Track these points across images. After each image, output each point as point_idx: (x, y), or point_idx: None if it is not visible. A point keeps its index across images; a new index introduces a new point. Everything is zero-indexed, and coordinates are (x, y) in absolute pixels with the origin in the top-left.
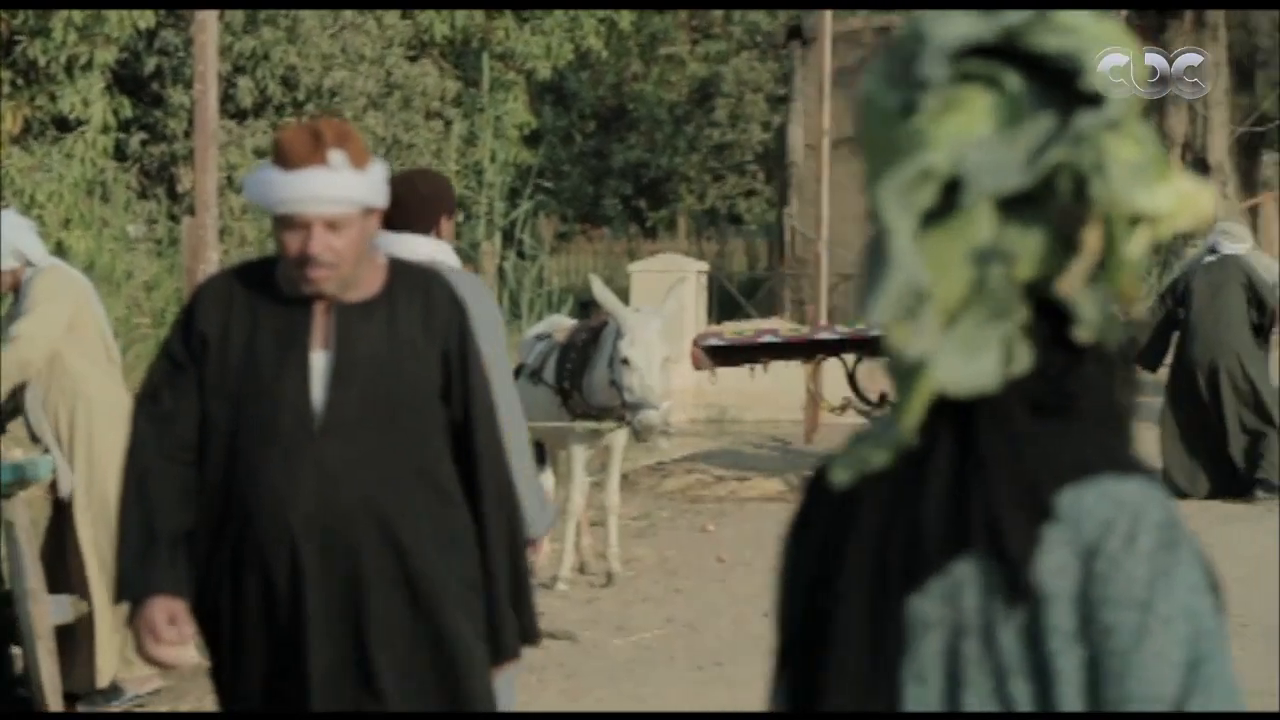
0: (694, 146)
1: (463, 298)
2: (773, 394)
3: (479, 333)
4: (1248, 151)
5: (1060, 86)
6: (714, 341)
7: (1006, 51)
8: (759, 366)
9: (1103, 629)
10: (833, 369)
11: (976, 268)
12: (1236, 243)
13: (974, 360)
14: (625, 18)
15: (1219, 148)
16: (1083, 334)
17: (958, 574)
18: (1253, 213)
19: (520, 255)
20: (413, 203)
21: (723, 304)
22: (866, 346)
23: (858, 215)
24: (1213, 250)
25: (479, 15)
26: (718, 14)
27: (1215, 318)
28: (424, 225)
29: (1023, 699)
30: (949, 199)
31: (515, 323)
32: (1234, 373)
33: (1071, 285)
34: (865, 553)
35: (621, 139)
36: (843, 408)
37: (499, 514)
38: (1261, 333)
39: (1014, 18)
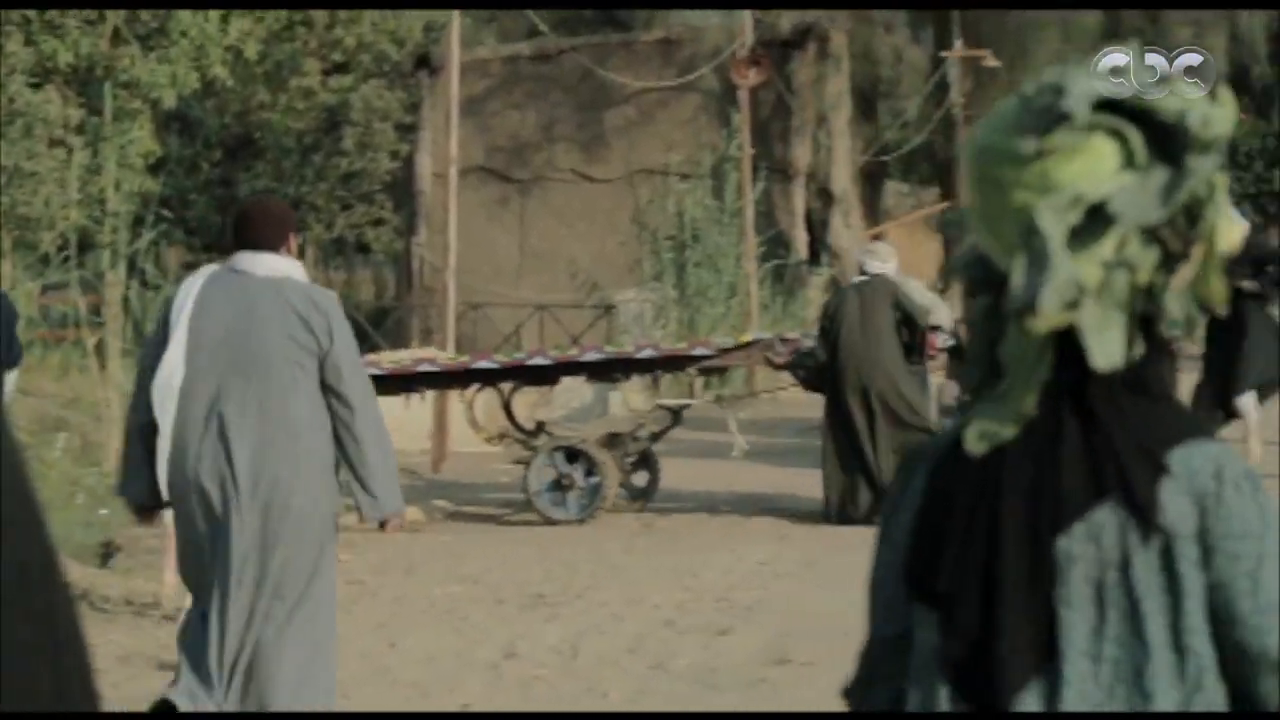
0: (321, 175)
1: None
2: (401, 423)
3: (342, 346)
4: (871, 181)
5: (1164, 136)
6: (371, 371)
7: (1120, 106)
8: (416, 395)
9: (1230, 556)
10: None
11: (1106, 272)
12: (882, 262)
13: (1108, 342)
14: (251, 46)
15: (842, 177)
16: (1169, 330)
17: (1097, 519)
18: (876, 240)
19: (144, 285)
20: (266, 223)
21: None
22: (523, 376)
23: (484, 244)
24: (862, 270)
25: (103, 43)
26: (350, 43)
27: (866, 337)
28: (276, 243)
29: (1154, 615)
30: (1086, 220)
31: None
32: (885, 393)
33: (1181, 286)
34: (1019, 506)
35: (249, 167)
36: (501, 436)
37: None
38: (911, 352)
39: (1147, 77)
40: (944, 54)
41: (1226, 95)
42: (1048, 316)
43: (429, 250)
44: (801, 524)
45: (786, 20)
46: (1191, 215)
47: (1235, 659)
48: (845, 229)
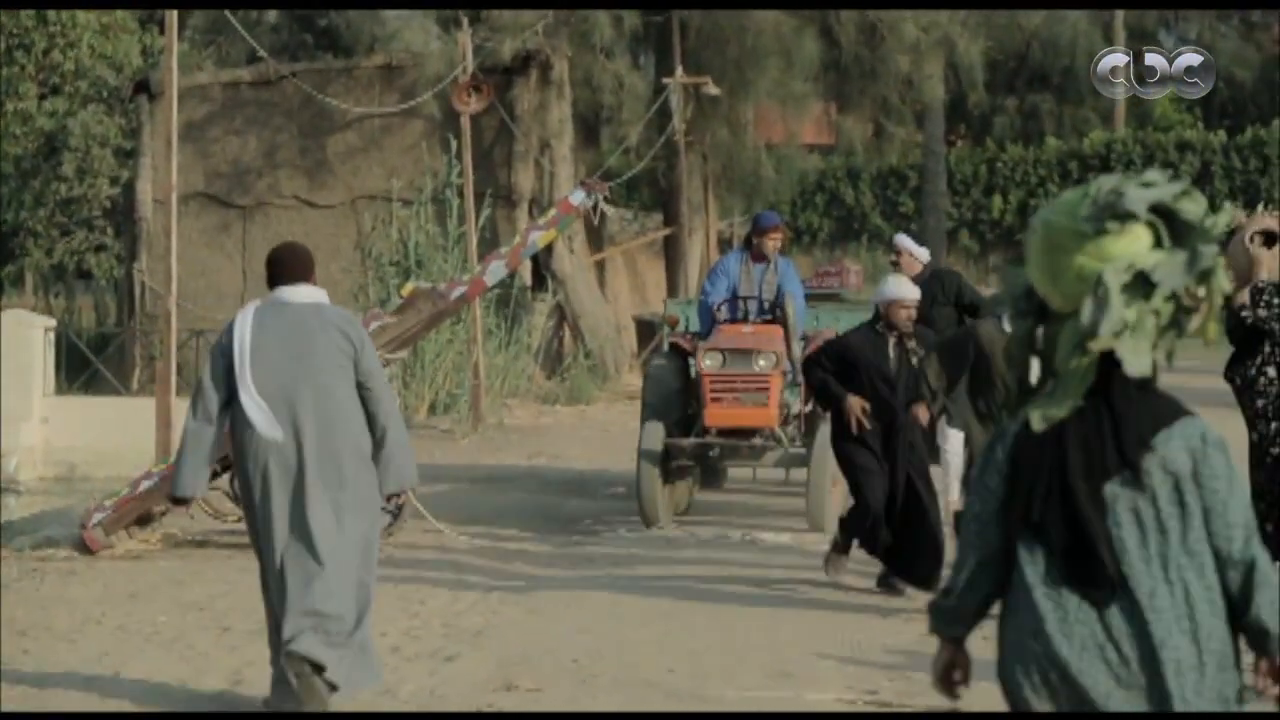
0: (40, 201)
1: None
2: (124, 452)
3: (369, 351)
4: (594, 207)
5: (1179, 227)
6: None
7: (1154, 205)
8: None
9: (1209, 490)
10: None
11: (1140, 317)
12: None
13: (1141, 359)
14: None
15: None
16: (1160, 356)
17: (1126, 473)
18: (600, 266)
19: None
20: (298, 262)
21: (71, 360)
22: None
23: (207, 270)
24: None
25: None
26: (69, 69)
27: None
28: (307, 276)
29: (1173, 528)
30: (1131, 281)
31: None
32: None
33: (1195, 329)
34: (1079, 464)
35: None
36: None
37: None
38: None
39: (1175, 189)
40: (665, 81)
41: (1226, 206)
42: (1102, 341)
43: (151, 276)
44: (524, 548)
45: (508, 47)
46: (1202, 281)
47: (1216, 558)
48: (569, 255)
